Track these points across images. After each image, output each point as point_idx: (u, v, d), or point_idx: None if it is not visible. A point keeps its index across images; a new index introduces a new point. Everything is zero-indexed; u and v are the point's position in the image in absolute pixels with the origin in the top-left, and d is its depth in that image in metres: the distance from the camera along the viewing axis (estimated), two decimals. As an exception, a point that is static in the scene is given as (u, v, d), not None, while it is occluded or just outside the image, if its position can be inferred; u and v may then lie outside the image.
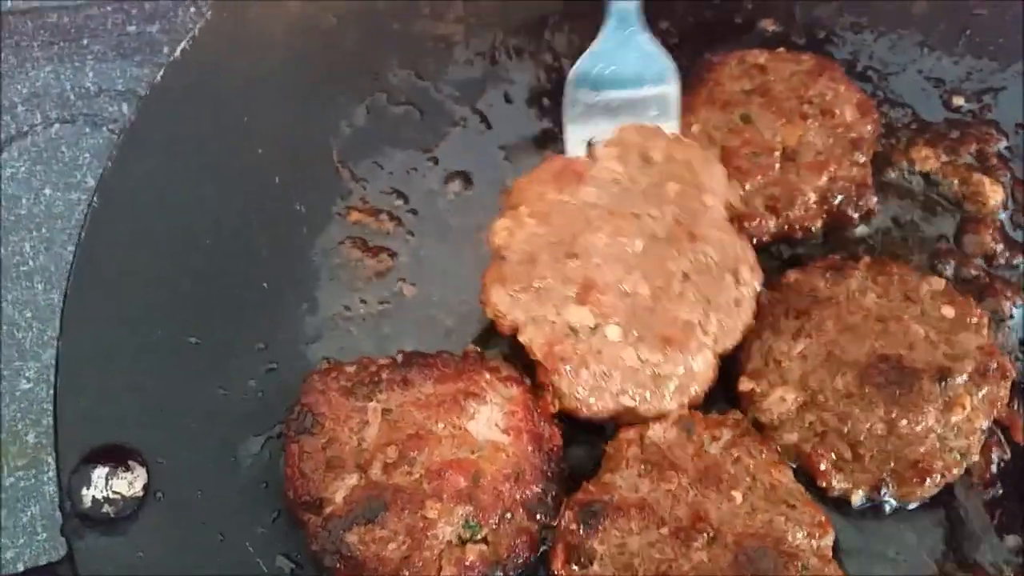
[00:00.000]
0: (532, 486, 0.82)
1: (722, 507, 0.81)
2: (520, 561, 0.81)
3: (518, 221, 0.89)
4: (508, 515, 0.80)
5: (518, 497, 0.81)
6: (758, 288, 0.90)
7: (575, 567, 0.79)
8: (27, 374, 1.07)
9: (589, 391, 0.84)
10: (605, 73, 1.00)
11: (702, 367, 0.86)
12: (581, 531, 0.80)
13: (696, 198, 0.90)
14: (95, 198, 0.96)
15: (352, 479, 0.81)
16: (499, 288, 0.86)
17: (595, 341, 0.84)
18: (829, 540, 0.80)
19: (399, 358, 0.87)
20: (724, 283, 0.88)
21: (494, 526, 0.80)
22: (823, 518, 0.81)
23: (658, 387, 0.85)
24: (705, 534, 0.80)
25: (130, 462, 0.85)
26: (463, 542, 0.79)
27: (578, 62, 1.01)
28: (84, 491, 0.83)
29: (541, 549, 0.82)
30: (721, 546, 0.79)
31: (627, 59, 1.00)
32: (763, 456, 0.85)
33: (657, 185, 0.91)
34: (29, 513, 1.00)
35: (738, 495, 0.82)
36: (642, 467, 0.84)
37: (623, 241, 0.87)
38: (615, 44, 1.01)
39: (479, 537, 0.79)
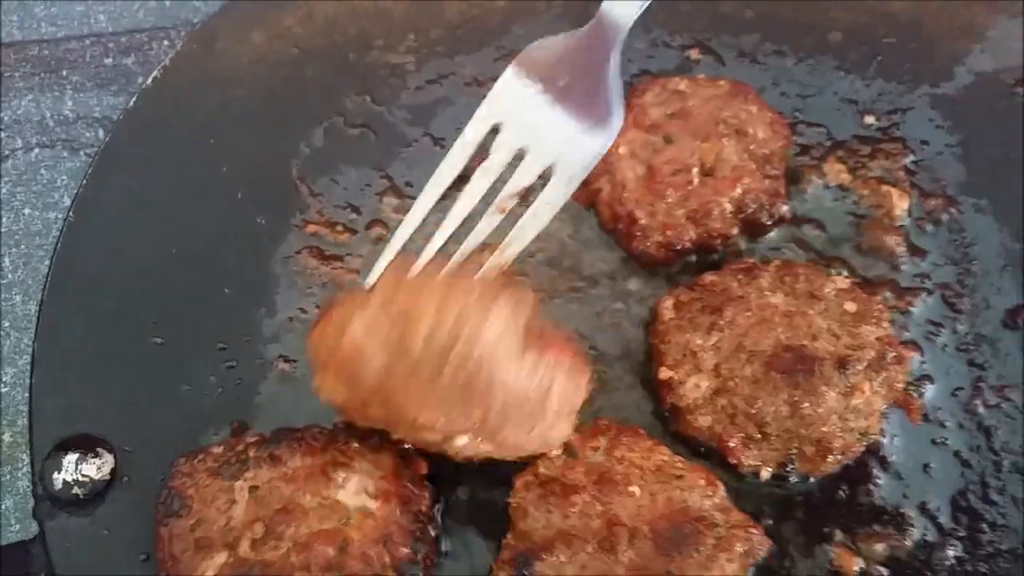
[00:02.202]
0: (401, 547, 0.84)
1: (627, 504, 0.87)
2: None
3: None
4: None
5: (387, 560, 0.83)
6: None
7: None
8: (4, 379, 1.15)
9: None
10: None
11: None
12: None
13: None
14: (71, 212, 1.03)
15: (221, 557, 0.82)
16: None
17: None
18: (722, 492, 0.87)
19: (267, 434, 0.90)
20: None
21: None
22: (709, 476, 0.89)
23: None
24: (624, 535, 0.86)
25: (99, 449, 0.91)
26: None
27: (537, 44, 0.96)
28: (55, 475, 0.89)
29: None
30: (641, 539, 0.85)
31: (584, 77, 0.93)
32: (640, 446, 0.91)
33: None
34: (3, 506, 1.08)
35: (635, 488, 0.88)
36: (547, 503, 0.88)
37: None
38: (584, 49, 0.93)
39: None
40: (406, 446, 0.89)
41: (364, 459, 0.88)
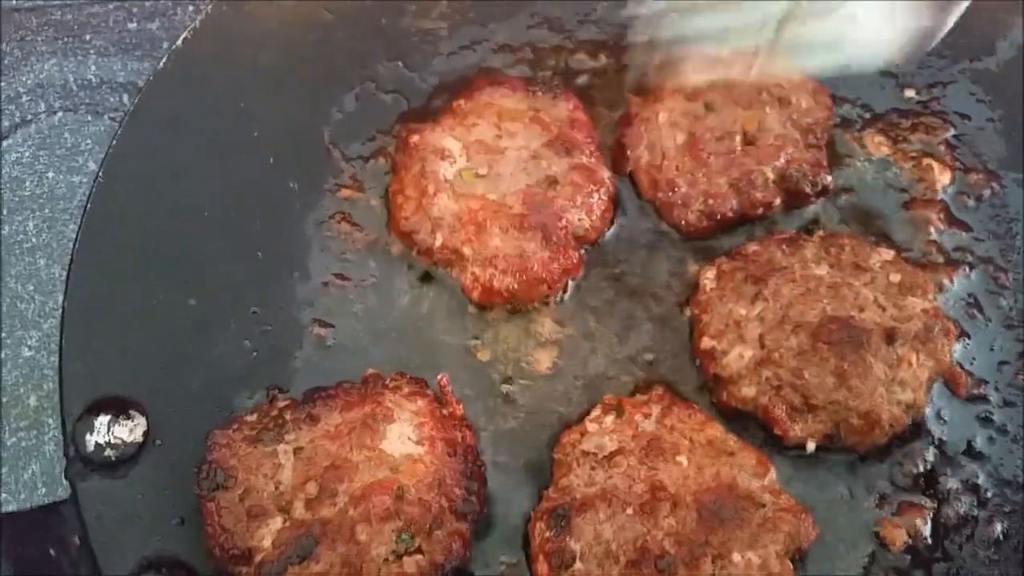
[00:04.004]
0: (455, 489, 0.84)
1: (673, 473, 0.86)
2: (457, 562, 0.83)
3: None
4: (437, 521, 0.82)
5: (444, 503, 0.83)
6: None
7: (561, 571, 0.83)
8: (29, 342, 1.13)
9: None
10: None
11: None
12: (555, 535, 0.83)
13: None
14: (100, 173, 1.01)
15: (277, 522, 0.81)
16: None
17: None
18: (772, 475, 0.86)
19: (299, 397, 0.89)
20: None
21: (426, 535, 0.81)
22: (761, 457, 0.88)
23: None
24: (667, 502, 0.84)
25: (131, 411, 0.89)
26: (399, 556, 0.80)
27: None
28: (88, 437, 0.87)
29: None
30: (684, 508, 0.84)
31: None
32: (693, 419, 0.90)
33: None
34: (30, 471, 1.06)
35: (683, 459, 0.87)
36: (592, 461, 0.88)
37: None
38: None
39: (414, 548, 0.81)
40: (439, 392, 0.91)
41: (401, 408, 0.87)
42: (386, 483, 0.82)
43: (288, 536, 0.80)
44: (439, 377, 0.93)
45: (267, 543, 0.81)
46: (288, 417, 0.87)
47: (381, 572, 0.80)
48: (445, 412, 0.90)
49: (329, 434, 0.85)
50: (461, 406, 0.91)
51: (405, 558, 0.81)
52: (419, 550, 0.81)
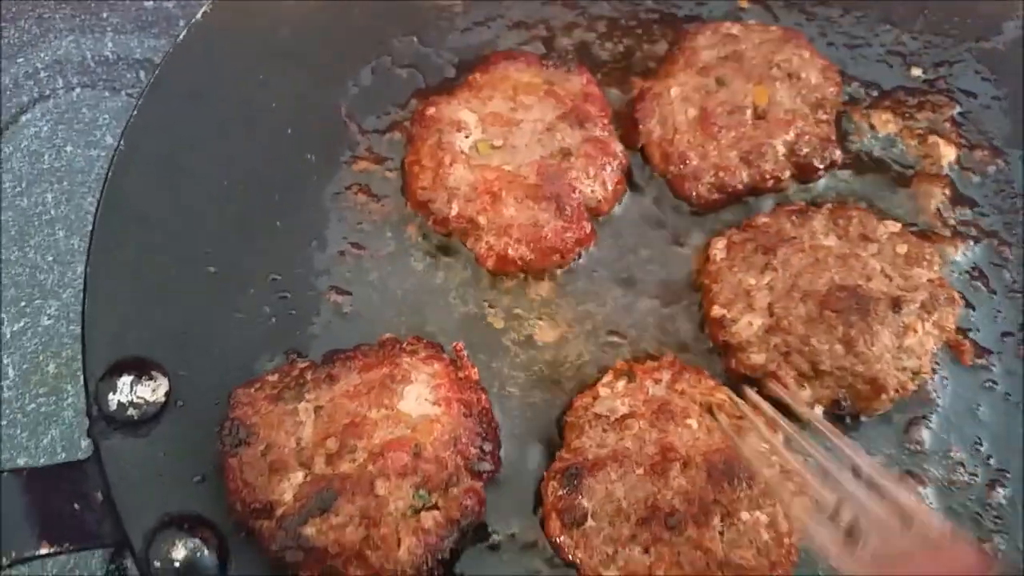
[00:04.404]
0: (470, 448, 0.87)
1: (683, 436, 0.89)
2: (473, 517, 0.85)
3: None
4: (453, 479, 0.84)
5: (459, 461, 0.86)
6: None
7: (573, 529, 0.85)
8: (48, 311, 1.15)
9: None
10: None
11: None
12: (567, 493, 0.86)
13: None
14: (121, 142, 1.02)
15: (298, 477, 0.84)
16: None
17: None
18: (780, 437, 0.88)
19: (318, 360, 0.91)
20: None
21: (443, 491, 0.84)
22: (769, 420, 0.88)
23: None
24: (677, 462, 0.87)
25: (153, 372, 0.90)
26: (416, 512, 0.83)
27: None
28: (111, 396, 0.89)
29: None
30: (694, 468, 0.87)
31: None
32: (702, 384, 0.92)
33: None
34: (50, 436, 1.08)
35: (693, 421, 0.89)
36: (603, 423, 0.90)
37: None
38: None
39: (431, 504, 0.83)
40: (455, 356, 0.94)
41: (418, 370, 0.89)
42: (404, 441, 0.84)
43: (309, 490, 0.82)
44: (455, 345, 0.95)
45: (288, 497, 0.83)
46: (308, 377, 0.89)
47: (399, 526, 0.82)
48: (461, 375, 0.91)
49: (348, 393, 0.87)
50: (476, 370, 0.93)
51: (422, 513, 0.83)
52: (435, 506, 0.84)
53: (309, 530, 0.82)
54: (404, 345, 0.92)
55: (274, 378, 0.90)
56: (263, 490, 0.83)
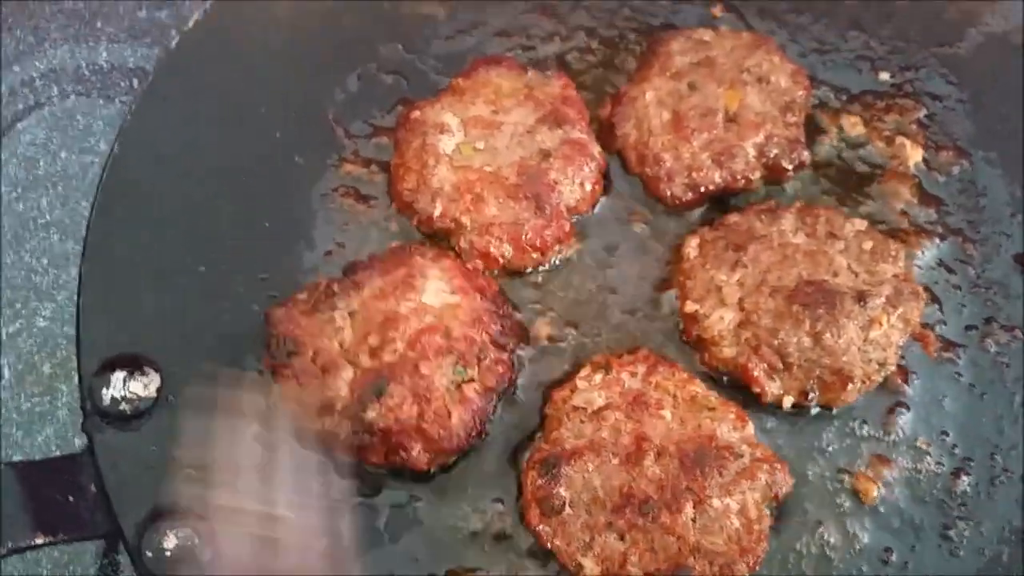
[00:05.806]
0: (492, 325, 0.97)
1: (657, 426, 0.92)
2: (506, 385, 0.97)
3: None
4: (483, 352, 0.95)
5: (485, 336, 0.96)
6: None
7: (552, 517, 0.88)
8: (43, 313, 1.18)
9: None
10: None
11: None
12: (546, 483, 0.89)
13: None
14: (115, 145, 1.06)
15: (348, 373, 0.92)
16: None
17: None
18: (750, 429, 0.91)
19: (338, 276, 0.99)
20: None
21: (476, 364, 0.94)
22: (740, 412, 0.93)
23: None
24: (651, 452, 0.90)
25: (145, 368, 0.94)
26: (458, 386, 0.93)
27: None
28: (104, 391, 0.92)
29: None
30: (667, 457, 0.90)
31: None
32: (676, 376, 0.96)
33: None
34: (44, 434, 1.11)
35: (667, 413, 0.93)
36: (581, 415, 0.93)
37: None
38: None
39: (468, 377, 0.94)
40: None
41: (431, 267, 0.99)
42: (434, 326, 0.94)
43: (361, 381, 0.92)
44: None
45: (344, 392, 0.92)
46: (336, 289, 0.97)
47: (447, 399, 0.92)
48: (469, 267, 1.01)
49: (375, 296, 0.96)
50: (480, 262, 1.02)
51: (464, 386, 0.94)
52: (472, 379, 0.94)
53: (371, 415, 0.90)
54: (412, 248, 1.01)
55: (303, 296, 0.97)
56: (317, 390, 0.92)
